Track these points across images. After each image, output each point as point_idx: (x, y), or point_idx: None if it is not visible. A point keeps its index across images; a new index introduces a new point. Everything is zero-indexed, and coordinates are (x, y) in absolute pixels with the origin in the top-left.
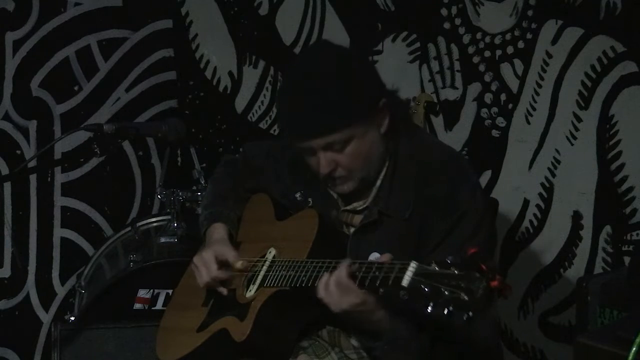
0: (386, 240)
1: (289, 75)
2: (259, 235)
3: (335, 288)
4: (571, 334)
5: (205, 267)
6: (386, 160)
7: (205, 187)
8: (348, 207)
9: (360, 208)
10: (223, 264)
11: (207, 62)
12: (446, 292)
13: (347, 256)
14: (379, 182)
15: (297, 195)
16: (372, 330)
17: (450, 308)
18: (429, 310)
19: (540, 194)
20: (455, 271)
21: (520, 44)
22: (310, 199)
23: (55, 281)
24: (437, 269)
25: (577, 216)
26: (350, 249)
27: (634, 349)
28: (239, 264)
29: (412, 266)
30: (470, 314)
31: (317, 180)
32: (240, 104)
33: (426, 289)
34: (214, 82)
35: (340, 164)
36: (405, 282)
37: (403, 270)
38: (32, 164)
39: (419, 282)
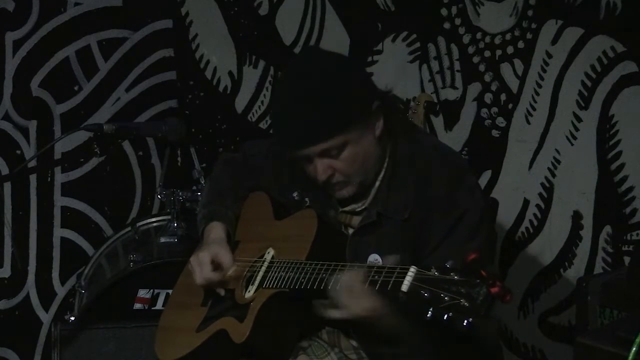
0: (385, 241)
1: (280, 86)
2: (257, 234)
3: (347, 292)
4: (571, 334)
5: (199, 267)
6: (384, 162)
7: None
8: (346, 209)
9: (359, 209)
10: (218, 267)
11: (207, 62)
12: (446, 298)
13: (347, 257)
14: (377, 184)
15: (295, 194)
16: (385, 335)
17: (450, 314)
18: (428, 316)
19: (540, 194)
20: (455, 277)
21: (520, 44)
22: (307, 199)
23: (55, 281)
24: (437, 274)
25: (577, 216)
26: (349, 250)
27: (634, 349)
28: (231, 271)
29: (412, 271)
30: (470, 320)
31: (316, 180)
32: (240, 104)
33: (426, 295)
34: (214, 82)
35: (337, 170)
36: (404, 287)
37: (402, 275)
38: (32, 164)
39: (418, 287)
